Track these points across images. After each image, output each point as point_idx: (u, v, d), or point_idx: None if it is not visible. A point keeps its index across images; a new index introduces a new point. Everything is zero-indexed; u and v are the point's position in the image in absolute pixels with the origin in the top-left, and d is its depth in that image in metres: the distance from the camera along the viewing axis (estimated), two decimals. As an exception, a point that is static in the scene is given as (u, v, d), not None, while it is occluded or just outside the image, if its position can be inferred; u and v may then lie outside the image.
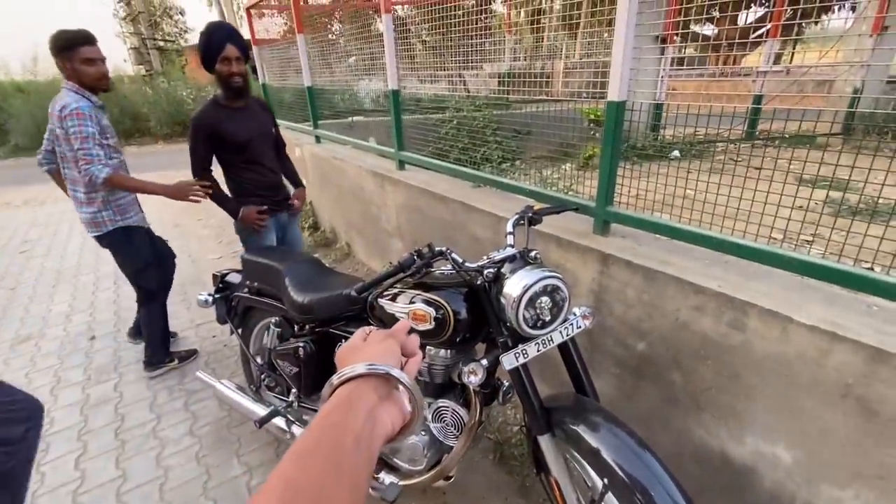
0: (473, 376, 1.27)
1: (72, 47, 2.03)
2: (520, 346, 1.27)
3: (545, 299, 1.22)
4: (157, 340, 2.57)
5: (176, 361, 2.63)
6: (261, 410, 1.94)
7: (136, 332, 2.82)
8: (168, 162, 8.85)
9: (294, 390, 1.91)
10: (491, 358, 1.31)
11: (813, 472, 1.32)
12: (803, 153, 1.42)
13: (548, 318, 1.24)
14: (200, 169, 2.26)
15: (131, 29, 17.38)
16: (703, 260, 1.56)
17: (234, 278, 2.15)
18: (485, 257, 1.35)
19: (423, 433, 1.52)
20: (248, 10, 5.56)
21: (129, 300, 2.43)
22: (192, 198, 2.21)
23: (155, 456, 2.09)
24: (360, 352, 0.56)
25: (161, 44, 17.66)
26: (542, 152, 3.60)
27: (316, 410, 1.82)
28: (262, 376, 2.11)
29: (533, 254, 1.33)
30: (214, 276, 2.20)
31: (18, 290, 3.81)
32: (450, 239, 2.54)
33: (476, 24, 2.91)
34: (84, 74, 2.07)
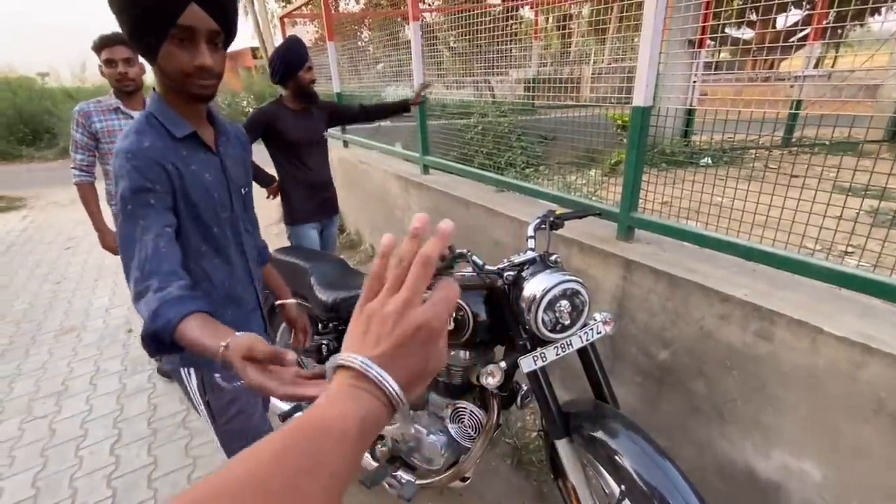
0: (492, 378, 1.28)
1: (98, 49, 2.07)
2: (538, 349, 1.27)
3: (565, 303, 1.22)
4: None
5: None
6: (284, 405, 2.00)
7: None
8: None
9: None
10: (510, 361, 1.31)
11: (843, 490, 1.26)
12: (845, 161, 1.37)
13: (567, 323, 1.23)
14: None
15: (173, 37, 18.15)
16: (730, 268, 1.53)
17: None
18: (505, 260, 1.36)
19: (440, 433, 1.54)
20: (281, 18, 5.74)
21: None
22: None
23: (184, 445, 2.18)
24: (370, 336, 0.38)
25: (200, 51, 18.40)
26: (567, 158, 3.58)
27: None
28: None
29: (553, 257, 1.33)
30: None
31: (63, 284, 4.03)
32: (472, 243, 2.56)
33: (503, 30, 2.94)
34: (107, 75, 2.12)
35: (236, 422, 1.15)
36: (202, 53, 0.88)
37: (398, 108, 2.82)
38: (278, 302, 1.49)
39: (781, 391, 1.33)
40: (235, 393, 1.14)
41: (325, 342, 1.76)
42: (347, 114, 2.76)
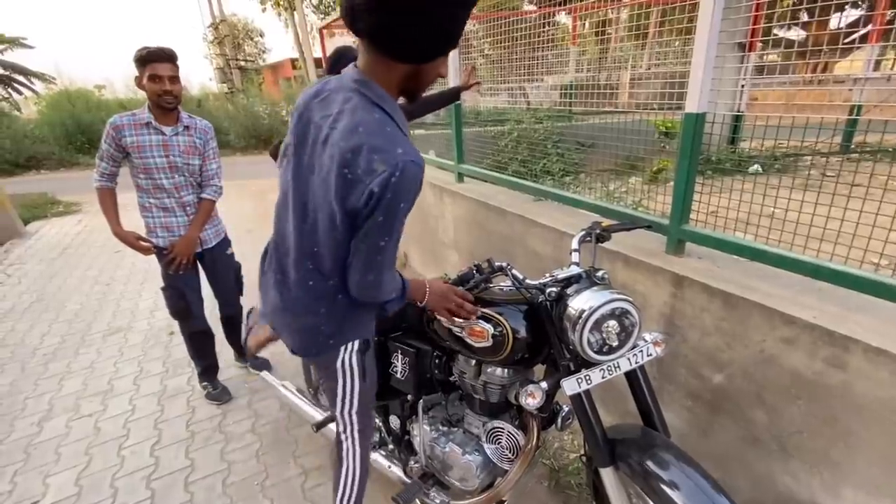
0: (532, 399, 1.22)
1: (142, 63, 2.04)
2: (583, 371, 1.19)
3: (613, 323, 1.14)
4: (194, 361, 2.60)
5: (208, 391, 2.57)
6: (318, 415, 1.99)
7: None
8: (245, 172, 9.51)
9: None
10: (551, 381, 1.25)
11: (931, 540, 1.13)
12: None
13: (615, 344, 1.16)
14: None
15: (217, 51, 19.03)
16: (793, 287, 1.41)
17: None
18: (547, 275, 1.30)
19: (476, 452, 1.48)
20: (320, 30, 5.88)
21: (210, 298, 2.55)
22: (135, 248, 2.30)
23: (220, 450, 2.20)
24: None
25: (242, 64, 19.16)
26: (607, 165, 3.46)
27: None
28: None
29: (600, 273, 1.26)
30: None
31: (112, 286, 4.22)
32: (508, 253, 2.50)
33: (539, 36, 2.88)
34: (148, 90, 2.07)
35: (370, 378, 1.33)
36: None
37: (448, 97, 2.67)
38: None
39: (856, 425, 1.20)
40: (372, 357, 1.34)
41: None
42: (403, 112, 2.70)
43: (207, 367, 2.60)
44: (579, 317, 1.13)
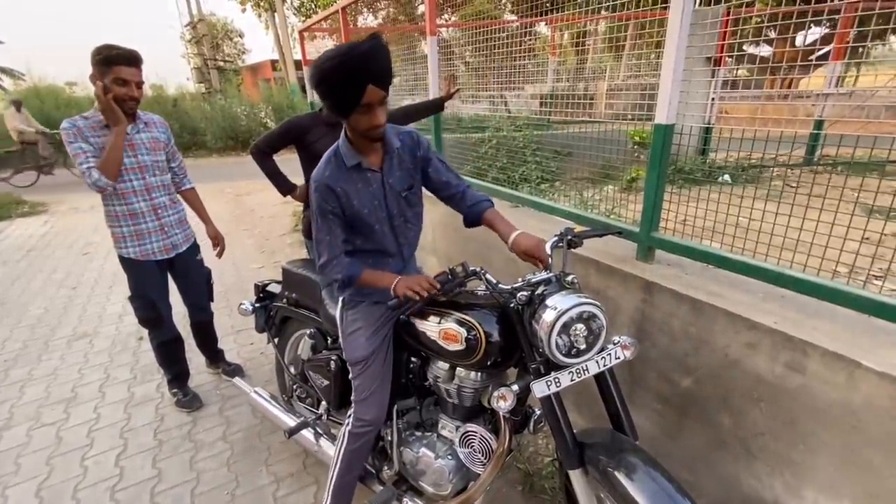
0: (503, 402, 1.22)
1: (107, 63, 1.91)
2: (553, 373, 1.21)
3: (580, 326, 1.16)
4: (164, 368, 2.52)
5: (178, 398, 2.49)
6: (291, 421, 1.96)
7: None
8: (221, 174, 9.33)
9: (324, 403, 1.91)
10: (522, 384, 1.26)
11: (883, 537, 1.18)
12: (871, 182, 1.31)
13: (582, 347, 1.18)
14: (265, 147, 2.37)
15: (195, 50, 18.69)
16: (757, 294, 1.46)
17: (275, 289, 2.19)
18: (520, 279, 1.31)
19: (449, 457, 1.49)
20: (300, 32, 5.84)
21: (178, 304, 2.49)
22: (106, 99, 1.91)
23: (189, 458, 2.14)
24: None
25: (221, 64, 18.85)
26: (583, 173, 3.53)
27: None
28: (294, 387, 2.14)
29: (570, 278, 1.28)
30: (256, 286, 2.25)
31: (79, 290, 4.07)
32: (485, 258, 2.52)
33: (519, 45, 2.93)
34: (115, 93, 1.93)
35: (354, 336, 1.49)
36: (376, 116, 1.24)
37: (432, 108, 2.76)
38: None
39: (815, 427, 1.25)
40: (357, 314, 1.50)
41: (333, 357, 1.72)
42: (392, 121, 2.66)
43: (177, 374, 2.52)
44: (547, 320, 1.14)
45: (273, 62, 18.64)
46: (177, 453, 2.18)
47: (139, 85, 2.01)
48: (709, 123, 2.80)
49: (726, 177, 3.80)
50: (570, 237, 1.40)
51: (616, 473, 1.12)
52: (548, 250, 1.36)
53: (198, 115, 12.90)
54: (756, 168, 3.61)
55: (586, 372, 1.23)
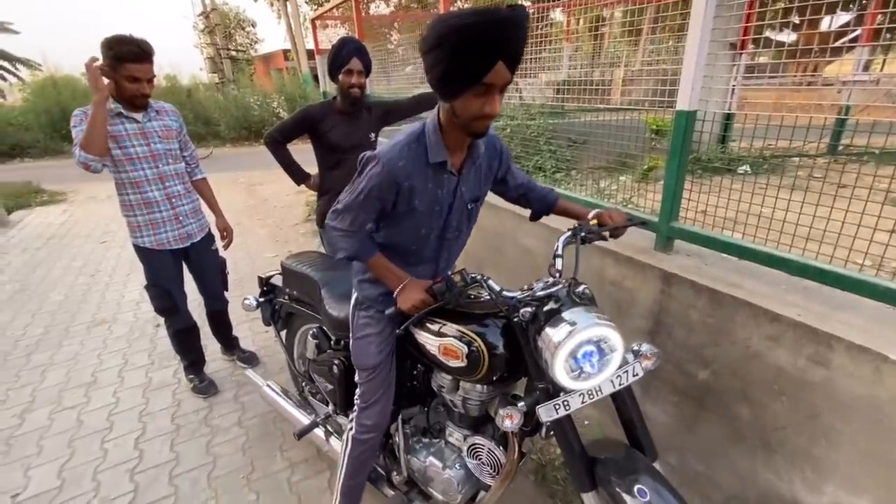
0: (509, 421, 1.11)
1: (119, 60, 1.89)
2: (562, 395, 1.10)
3: (591, 349, 1.03)
4: (180, 355, 2.56)
5: (194, 384, 2.53)
6: (301, 417, 1.93)
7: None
8: (235, 164, 9.41)
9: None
10: (530, 401, 1.15)
11: (907, 534, 1.15)
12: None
13: (592, 372, 1.05)
14: (278, 136, 2.37)
15: (208, 40, 18.75)
16: (779, 285, 1.42)
17: (279, 281, 2.07)
18: (526, 286, 1.18)
19: (457, 467, 1.43)
20: (312, 21, 5.81)
21: (193, 292, 2.52)
22: (96, 76, 1.85)
23: (205, 443, 2.18)
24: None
25: (234, 54, 18.89)
26: (598, 163, 3.47)
27: None
28: (304, 384, 2.10)
29: (581, 288, 1.13)
30: (260, 279, 2.16)
31: (97, 277, 4.15)
32: (498, 249, 2.50)
33: (533, 31, 2.87)
34: (125, 89, 1.95)
35: (365, 341, 1.38)
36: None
37: None
38: None
39: (838, 422, 1.22)
40: (370, 318, 1.39)
41: (336, 361, 1.63)
42: (401, 111, 2.58)
43: (193, 361, 2.56)
44: (553, 343, 1.02)
45: (285, 52, 18.63)
46: (193, 437, 2.22)
47: (150, 80, 1.99)
48: (730, 111, 2.72)
49: (746, 167, 3.71)
50: (583, 233, 1.28)
51: (626, 496, 1.03)
52: (559, 249, 1.26)
53: (211, 106, 12.98)
54: (778, 158, 3.52)
55: (600, 393, 1.11)
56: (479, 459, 1.37)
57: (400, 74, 4.70)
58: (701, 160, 3.04)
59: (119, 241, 5.01)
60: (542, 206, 1.46)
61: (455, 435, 1.45)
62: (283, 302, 2.03)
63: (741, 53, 3.05)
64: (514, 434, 1.28)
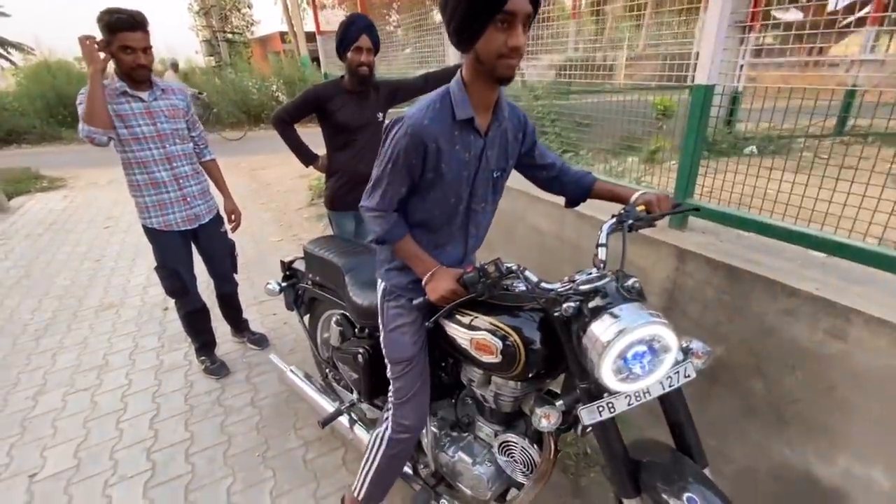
0: (547, 421, 1.05)
1: (111, 30, 1.85)
2: (606, 397, 1.02)
3: (642, 349, 0.95)
4: (191, 337, 2.57)
5: (206, 365, 2.55)
6: (325, 403, 1.90)
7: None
8: (234, 148, 9.32)
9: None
10: (569, 399, 1.09)
11: (919, 502, 1.18)
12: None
13: (642, 374, 0.97)
14: (286, 116, 2.34)
15: (203, 22, 18.43)
16: (795, 261, 1.43)
17: (302, 265, 2.03)
18: (566, 278, 1.09)
19: (488, 463, 1.38)
20: (312, 1, 5.70)
21: (203, 275, 2.52)
22: (91, 49, 1.84)
23: (219, 423, 2.21)
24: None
25: (230, 36, 18.59)
26: (604, 145, 3.44)
27: (381, 408, 1.72)
28: (328, 370, 2.07)
29: (631, 282, 1.03)
30: (283, 264, 2.13)
31: (103, 262, 4.15)
32: (509, 230, 2.49)
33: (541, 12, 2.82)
34: (121, 62, 1.90)
35: (398, 332, 1.32)
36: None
37: (453, 73, 2.66)
38: None
39: (853, 394, 1.24)
40: (402, 308, 1.31)
41: (361, 350, 1.58)
42: (410, 90, 2.50)
43: (204, 342, 2.58)
44: (600, 343, 0.93)
45: (282, 34, 18.33)
46: (207, 417, 2.25)
47: (146, 50, 1.94)
48: (739, 90, 2.69)
49: (753, 148, 3.69)
50: (630, 221, 1.16)
51: None
52: (603, 238, 1.17)
53: (209, 90, 12.81)
54: (783, 139, 3.50)
55: (648, 395, 1.03)
56: (512, 457, 1.32)
57: (400, 56, 4.64)
58: (707, 140, 3.02)
59: (123, 226, 4.99)
60: (577, 189, 1.36)
61: (485, 430, 1.40)
62: (306, 287, 2.00)
63: (750, 28, 3.00)
64: (551, 433, 1.23)
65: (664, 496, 0.97)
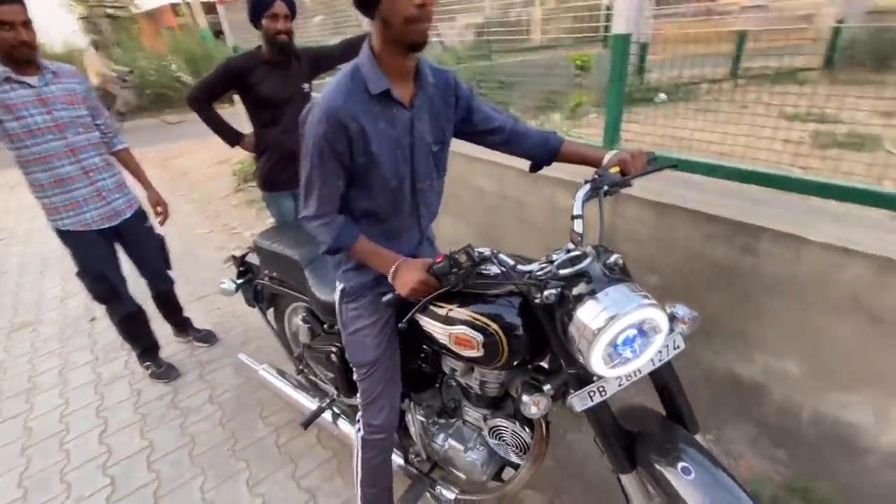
0: (536, 408, 1.03)
1: None
2: (596, 381, 0.98)
3: (632, 333, 0.89)
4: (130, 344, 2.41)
5: (152, 370, 2.40)
6: (304, 400, 1.83)
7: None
8: (138, 139, 8.44)
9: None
10: (557, 382, 1.05)
11: (821, 382, 1.41)
12: (789, 89, 1.45)
13: (633, 357, 0.92)
14: (201, 95, 2.17)
15: (75, -4, 16.11)
16: (713, 193, 1.59)
17: (255, 259, 1.89)
18: (543, 259, 1.03)
19: (480, 447, 1.36)
20: (207, -34, 5.18)
21: (131, 275, 2.33)
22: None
23: (178, 425, 2.11)
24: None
25: (110, 11, 16.45)
26: (529, 102, 3.53)
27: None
28: (301, 367, 1.94)
29: (613, 259, 0.96)
30: (235, 259, 1.99)
31: (4, 278, 3.69)
32: (454, 194, 2.52)
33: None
34: (1, 41, 1.68)
35: (358, 335, 1.26)
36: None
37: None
38: None
39: (764, 300, 1.44)
40: (361, 309, 1.25)
41: (333, 350, 1.52)
42: (332, 57, 2.34)
43: (146, 347, 2.42)
44: (589, 331, 0.87)
45: (174, 6, 16.50)
46: (164, 422, 2.14)
47: (26, 24, 1.70)
48: (647, 41, 2.86)
49: (663, 95, 3.96)
50: (605, 186, 1.09)
51: (671, 477, 0.94)
52: (578, 209, 1.08)
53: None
54: (687, 85, 3.79)
55: (639, 374, 0.98)
56: (503, 440, 1.30)
57: (310, 25, 4.40)
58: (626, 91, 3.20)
59: (19, 236, 4.43)
60: (541, 152, 1.26)
61: (473, 414, 1.36)
62: (263, 283, 1.87)
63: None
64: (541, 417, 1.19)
65: (658, 467, 0.96)
